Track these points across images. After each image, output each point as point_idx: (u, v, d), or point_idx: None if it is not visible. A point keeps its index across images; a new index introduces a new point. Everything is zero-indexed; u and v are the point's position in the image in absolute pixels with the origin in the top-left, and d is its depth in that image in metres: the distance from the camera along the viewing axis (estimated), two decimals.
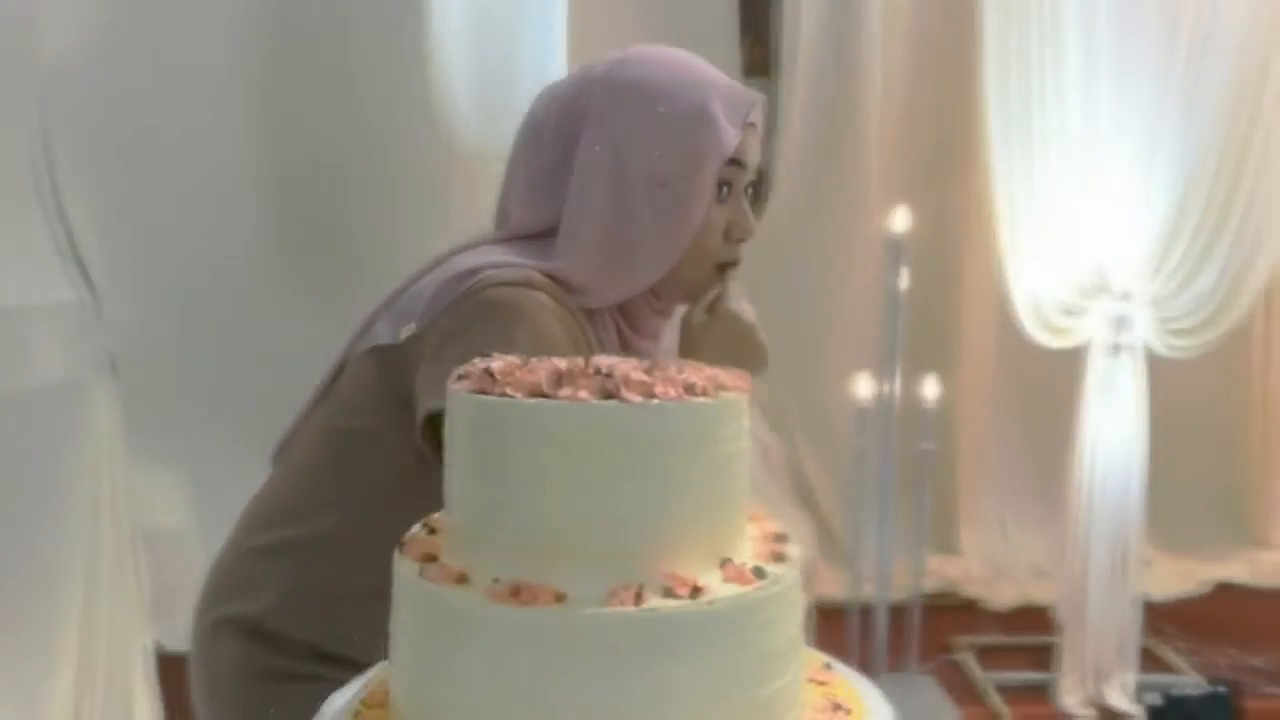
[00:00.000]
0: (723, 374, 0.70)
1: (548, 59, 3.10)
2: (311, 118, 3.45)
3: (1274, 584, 3.64)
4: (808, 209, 3.81)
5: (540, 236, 1.14)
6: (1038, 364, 3.19)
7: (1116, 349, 2.86)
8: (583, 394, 0.62)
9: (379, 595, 1.14)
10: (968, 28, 3.42)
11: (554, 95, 1.17)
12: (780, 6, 3.78)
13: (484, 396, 0.65)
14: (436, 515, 0.78)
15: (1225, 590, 3.62)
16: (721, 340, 1.14)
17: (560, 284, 1.10)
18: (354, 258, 3.57)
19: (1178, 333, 2.88)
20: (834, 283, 3.85)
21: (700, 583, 0.64)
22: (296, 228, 3.56)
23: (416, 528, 0.78)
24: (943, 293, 3.68)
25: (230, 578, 1.20)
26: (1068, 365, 2.93)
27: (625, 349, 1.17)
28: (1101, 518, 2.80)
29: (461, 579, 0.66)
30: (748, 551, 0.71)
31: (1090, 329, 2.87)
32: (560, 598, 0.62)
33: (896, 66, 3.67)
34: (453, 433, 0.71)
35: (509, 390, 0.64)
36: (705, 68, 1.14)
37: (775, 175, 3.84)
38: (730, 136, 1.10)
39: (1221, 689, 2.50)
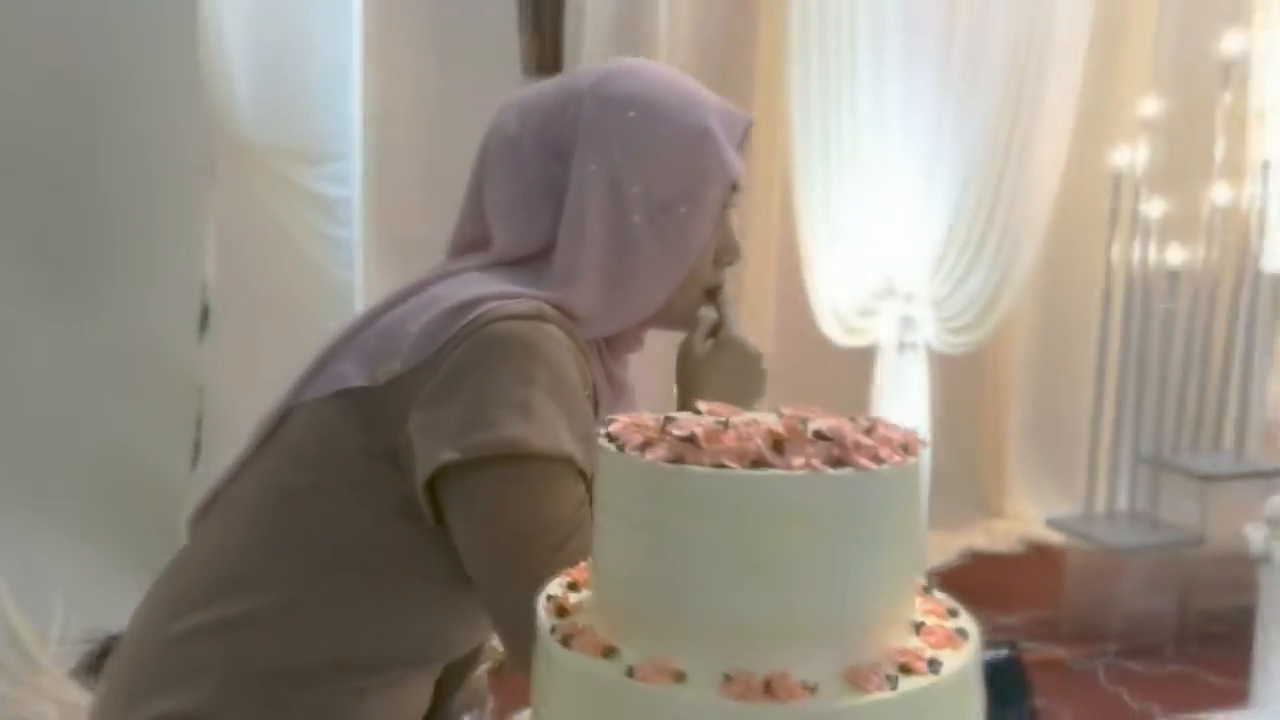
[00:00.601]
0: (883, 425, 0.66)
1: (341, 48, 2.88)
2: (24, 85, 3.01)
3: (1008, 549, 4.09)
4: None
5: (528, 261, 1.04)
6: (822, 364, 3.35)
7: (903, 347, 3.09)
8: (814, 462, 0.56)
9: (339, 671, 1.01)
10: (753, 28, 3.56)
11: (529, 107, 1.07)
12: (564, 1, 3.73)
13: (693, 468, 0.57)
14: (565, 591, 0.68)
15: (971, 558, 4.01)
16: (729, 369, 1.08)
17: (567, 315, 1.01)
18: (95, 258, 3.17)
19: (955, 330, 3.15)
20: None
21: (929, 655, 0.60)
22: (22, 225, 3.09)
23: (555, 596, 0.67)
24: (741, 301, 3.79)
25: (153, 671, 1.00)
26: (853, 364, 3.13)
27: (609, 382, 1.10)
28: None
29: (679, 676, 0.57)
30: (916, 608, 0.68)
31: (880, 329, 3.08)
32: (810, 688, 0.56)
33: (685, 67, 3.73)
34: (625, 504, 0.62)
35: (725, 460, 0.57)
36: (697, 85, 1.09)
37: None
38: (733, 159, 1.06)
39: (1005, 650, 2.71)
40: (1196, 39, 3.31)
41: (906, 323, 3.07)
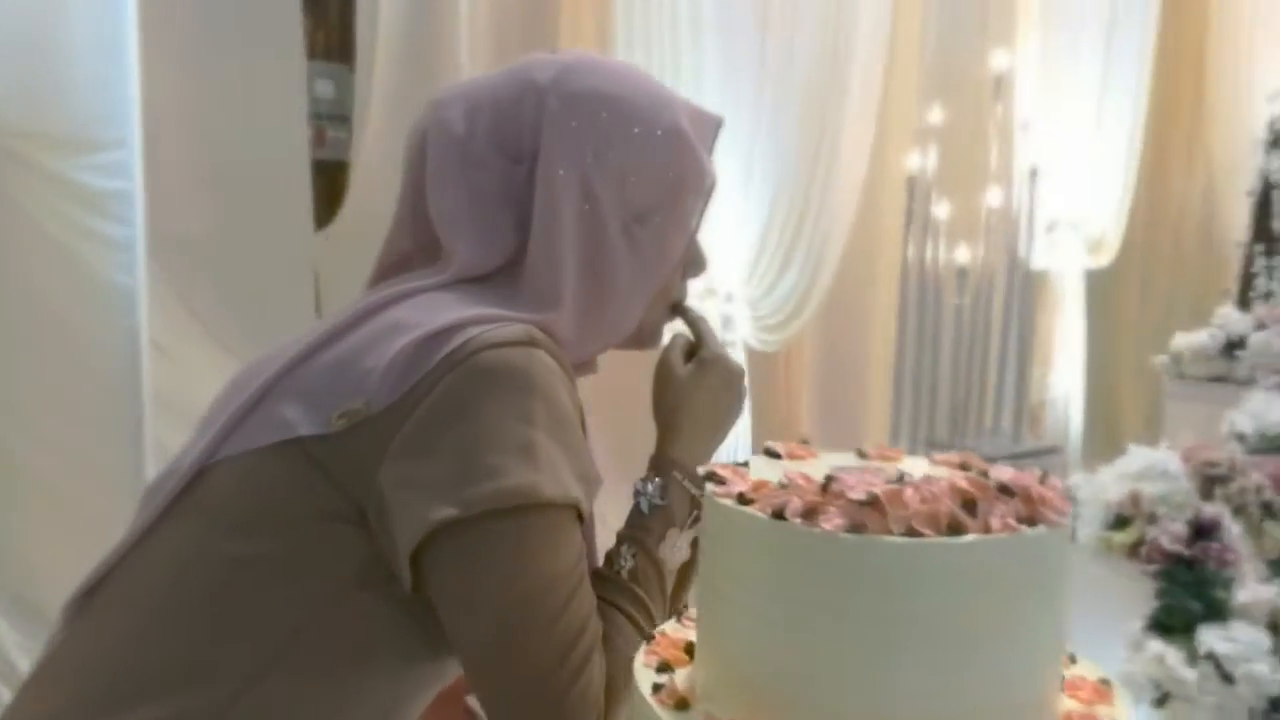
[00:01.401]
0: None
1: (110, 22, 2.52)
2: None
3: None
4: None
5: (492, 278, 0.92)
6: (646, 363, 3.36)
7: (723, 345, 3.14)
8: (1009, 521, 0.51)
9: None
10: (553, 22, 3.49)
11: (476, 103, 0.94)
12: None
13: (890, 540, 0.50)
14: (669, 677, 0.60)
15: None
16: (713, 389, 1.01)
17: (552, 339, 0.90)
18: None
19: (768, 329, 3.24)
20: None
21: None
22: None
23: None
24: None
25: None
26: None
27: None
28: None
29: None
30: None
31: None
32: None
33: (486, 52, 3.57)
34: (788, 582, 0.54)
35: (917, 526, 0.51)
36: (661, 83, 1.01)
37: (359, 171, 3.57)
38: (708, 163, 0.99)
39: None
40: (969, 53, 3.59)
41: (726, 322, 3.12)
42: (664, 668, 0.63)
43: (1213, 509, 2.23)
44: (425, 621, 0.85)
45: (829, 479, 0.54)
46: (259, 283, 3.52)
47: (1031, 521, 0.53)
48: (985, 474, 0.54)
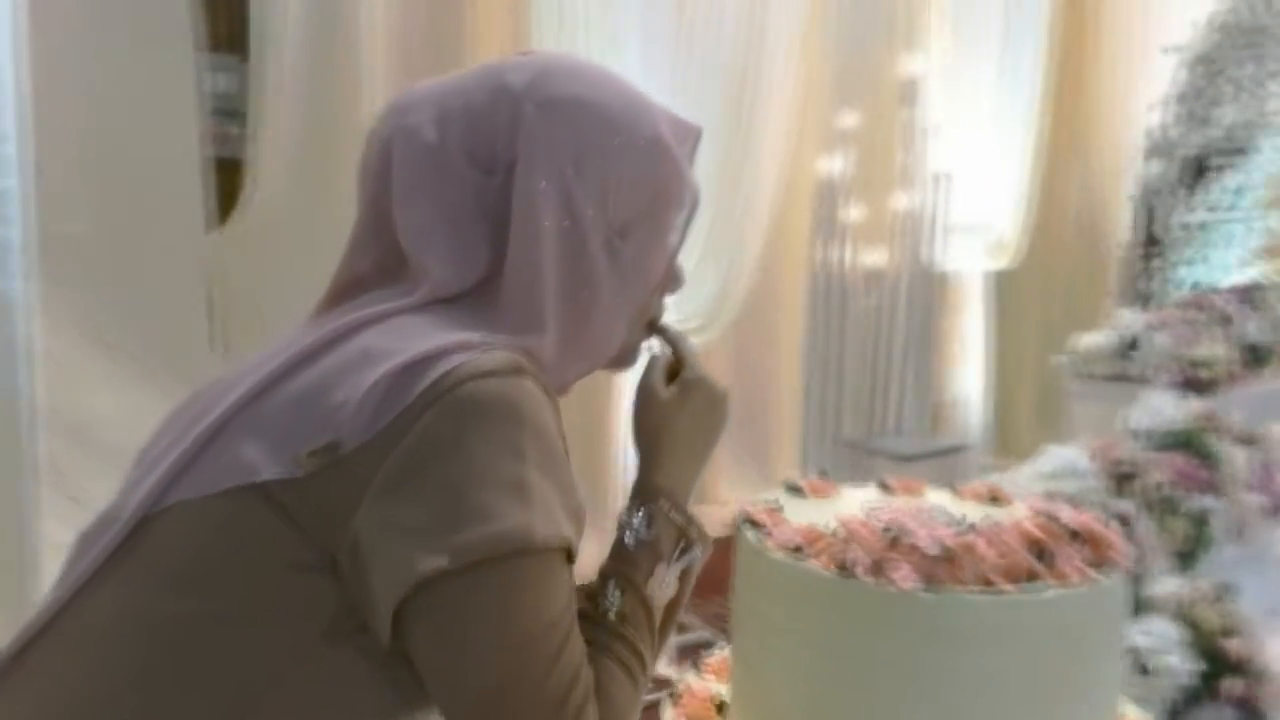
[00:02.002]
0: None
1: None
2: None
3: (719, 534, 4.29)
4: (297, 207, 3.43)
5: (465, 298, 0.85)
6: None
7: (644, 350, 3.11)
8: (1082, 567, 0.50)
9: None
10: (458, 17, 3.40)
11: (446, 109, 0.87)
12: None
13: (969, 596, 0.48)
14: None
15: None
16: (698, 412, 0.95)
17: (536, 364, 0.85)
18: None
19: (689, 332, 3.23)
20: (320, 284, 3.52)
21: None
22: None
23: None
24: None
25: None
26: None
27: None
28: None
29: None
30: None
31: None
32: None
33: (391, 40, 3.44)
34: (853, 638, 0.51)
35: (993, 577, 0.49)
36: (637, 88, 0.96)
37: (256, 169, 3.40)
38: (691, 175, 0.94)
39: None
40: (880, 58, 3.65)
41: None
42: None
43: (1124, 506, 2.31)
44: (400, 676, 0.78)
45: (893, 529, 0.52)
46: (149, 286, 3.33)
47: (1099, 565, 0.52)
48: (1054, 517, 0.53)
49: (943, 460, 3.73)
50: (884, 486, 0.74)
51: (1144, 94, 4.30)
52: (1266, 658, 2.84)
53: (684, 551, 0.90)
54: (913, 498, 0.63)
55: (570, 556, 0.82)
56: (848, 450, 3.60)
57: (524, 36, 3.08)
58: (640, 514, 0.90)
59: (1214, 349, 3.12)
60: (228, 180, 3.70)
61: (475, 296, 0.85)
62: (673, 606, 0.91)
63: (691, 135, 0.94)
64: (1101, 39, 4.66)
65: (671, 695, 0.76)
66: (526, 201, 0.84)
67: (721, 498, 4.41)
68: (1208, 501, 2.45)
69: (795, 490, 0.73)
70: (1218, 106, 3.91)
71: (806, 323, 3.48)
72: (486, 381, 0.77)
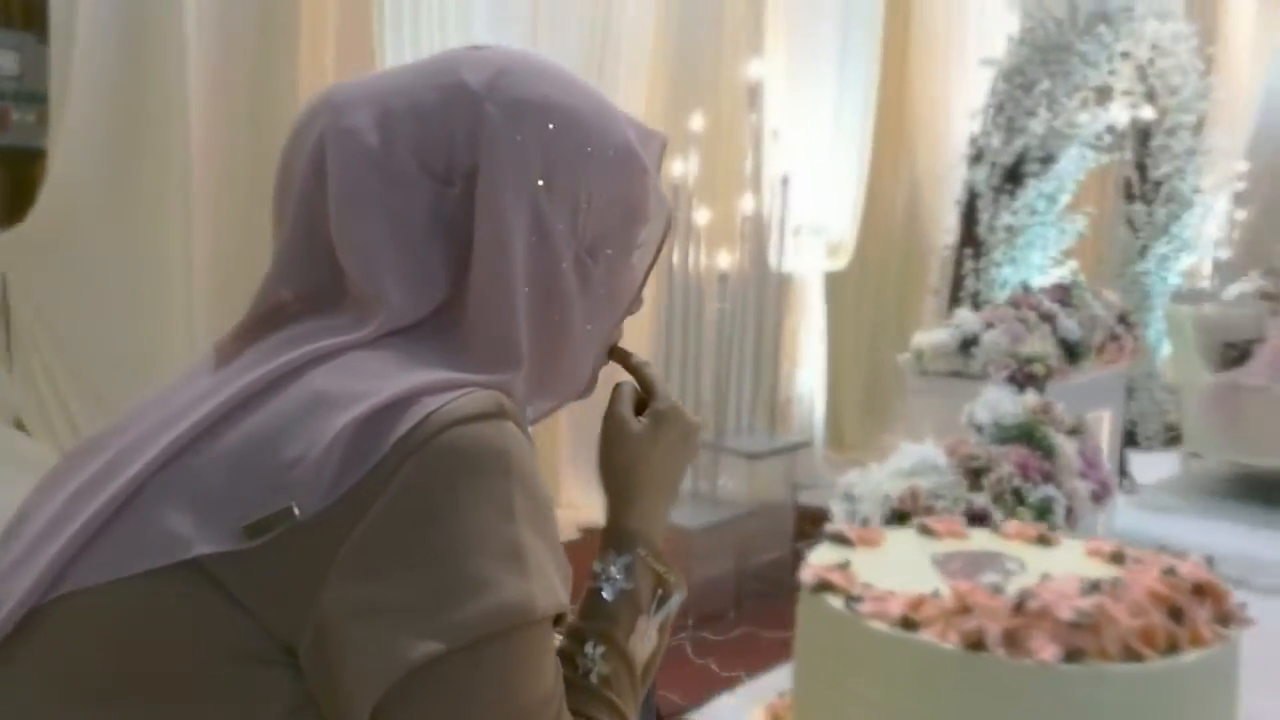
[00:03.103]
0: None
1: None
2: None
3: (568, 538, 4.24)
4: (102, 205, 3.10)
5: (423, 328, 0.75)
6: None
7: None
8: (1213, 628, 0.46)
9: None
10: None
11: (390, 106, 0.76)
12: None
13: (1112, 668, 0.44)
14: None
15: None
16: (672, 445, 0.88)
17: (515, 404, 0.74)
18: None
19: None
20: (145, 287, 3.19)
21: None
22: None
23: None
24: None
25: None
26: None
27: None
28: None
29: None
30: None
31: None
32: None
33: (217, 18, 3.15)
34: (971, 715, 0.46)
35: (1134, 644, 0.44)
36: (598, 89, 0.86)
37: (56, 161, 3.06)
38: (662, 189, 0.87)
39: None
40: (722, 63, 3.68)
41: None
42: None
43: (981, 499, 2.42)
44: None
45: (1024, 596, 0.47)
46: None
47: (1224, 621, 0.49)
48: (1173, 571, 0.49)
49: (789, 456, 3.82)
50: (925, 530, 0.70)
51: (965, 103, 4.55)
52: None
53: (662, 600, 0.83)
54: (959, 540, 0.59)
55: (560, 620, 0.74)
56: (708, 450, 3.62)
57: (364, 31, 2.91)
58: (618, 563, 0.82)
59: (1040, 345, 3.32)
60: (22, 172, 3.32)
61: (437, 325, 0.75)
62: (650, 661, 0.84)
63: (657, 143, 0.86)
64: (924, 50, 4.89)
65: None
66: (492, 215, 0.74)
67: (575, 502, 4.35)
68: (1049, 490, 2.59)
69: (840, 540, 0.67)
70: (1030, 117, 4.17)
71: (663, 326, 3.46)
72: (469, 428, 0.67)
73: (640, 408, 0.89)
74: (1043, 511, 2.54)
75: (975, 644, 0.45)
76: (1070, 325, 3.48)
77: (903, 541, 0.70)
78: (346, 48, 3.16)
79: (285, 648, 0.65)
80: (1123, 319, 3.79)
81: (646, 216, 0.85)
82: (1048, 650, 0.44)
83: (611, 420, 0.88)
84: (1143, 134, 5.15)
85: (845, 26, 4.03)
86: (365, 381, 0.69)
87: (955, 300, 4.29)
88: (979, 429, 3.00)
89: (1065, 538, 0.71)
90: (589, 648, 0.79)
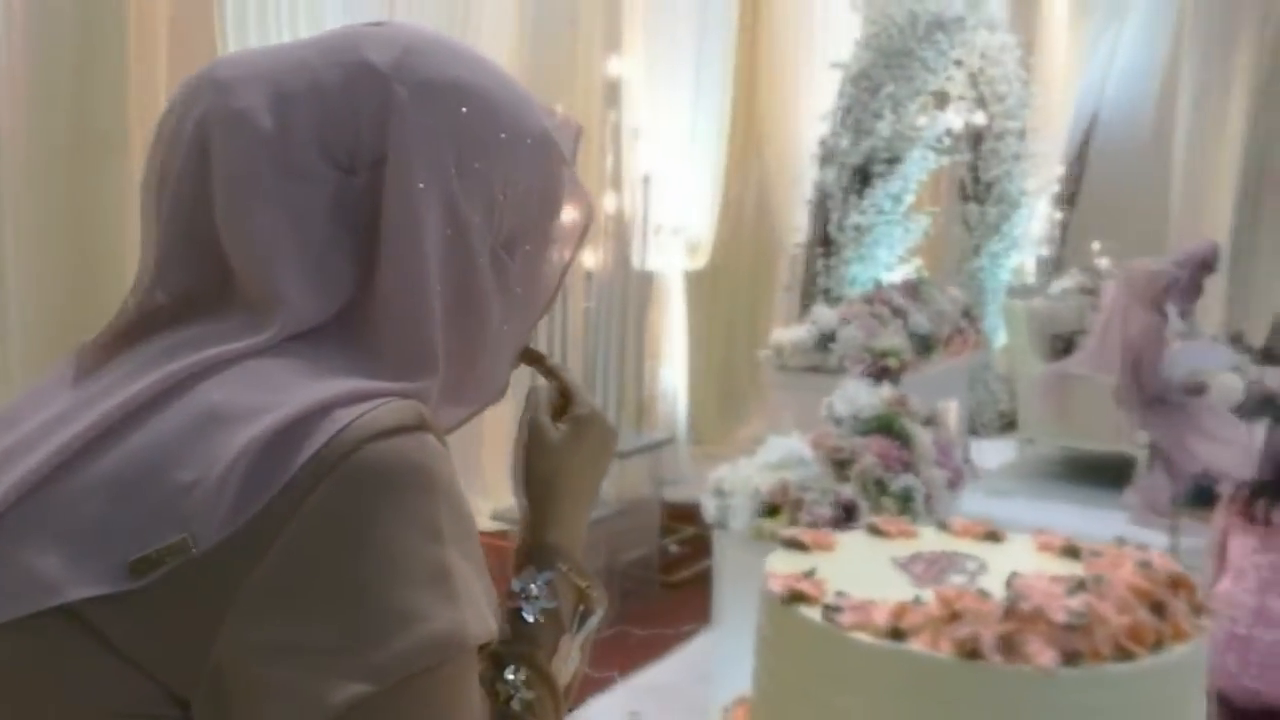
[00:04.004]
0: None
1: None
2: None
3: None
4: None
5: (327, 331, 0.67)
6: None
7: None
8: (1191, 617, 0.47)
9: None
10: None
11: (285, 86, 0.68)
12: None
13: (1110, 669, 0.43)
14: None
15: None
16: (591, 453, 0.82)
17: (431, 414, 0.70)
18: None
19: None
20: None
21: None
22: None
23: None
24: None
25: None
26: None
27: None
28: None
29: None
30: None
31: None
32: None
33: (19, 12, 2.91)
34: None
35: (1126, 644, 0.45)
36: (511, 76, 0.83)
37: None
38: (577, 177, 0.83)
39: None
40: (581, 60, 3.67)
41: None
42: None
43: (848, 490, 2.49)
44: None
45: (1014, 599, 0.46)
46: None
47: (1198, 611, 0.50)
48: (1148, 565, 0.50)
49: (655, 453, 3.84)
50: (876, 530, 0.69)
51: (815, 105, 4.68)
52: None
53: (584, 617, 0.80)
54: (911, 540, 0.59)
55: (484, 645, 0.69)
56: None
57: (204, 16, 2.74)
58: (539, 581, 0.77)
59: (894, 340, 3.46)
60: None
61: (343, 328, 0.68)
62: (572, 682, 0.80)
63: (573, 133, 0.81)
64: (775, 53, 5.01)
65: None
66: (402, 206, 0.68)
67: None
68: (909, 479, 2.69)
69: (796, 545, 0.65)
70: (877, 119, 4.33)
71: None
72: (388, 443, 0.60)
73: (557, 414, 0.85)
74: (905, 500, 2.63)
75: (970, 652, 0.44)
76: (921, 320, 3.64)
77: (857, 544, 0.69)
78: (183, 33, 2.97)
79: (177, 700, 0.58)
80: (966, 313, 3.99)
81: (562, 208, 0.81)
82: (1045, 655, 0.44)
83: (533, 430, 0.82)
84: (975, 138, 5.45)
85: (701, 27, 4.09)
86: (265, 394, 0.61)
87: (808, 298, 4.41)
88: (839, 422, 3.09)
89: (1010, 533, 0.72)
90: (511, 673, 0.73)
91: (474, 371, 0.74)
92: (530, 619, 0.75)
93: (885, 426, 2.91)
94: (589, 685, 3.07)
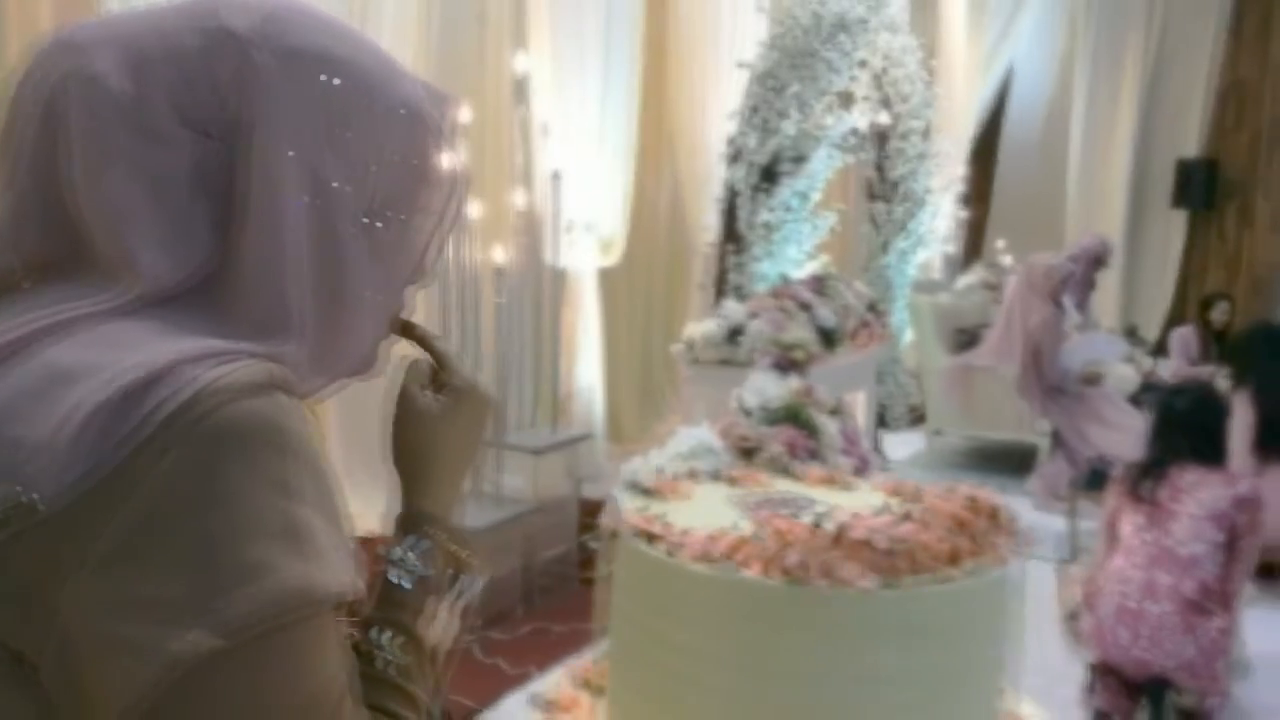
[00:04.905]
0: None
1: None
2: None
3: None
4: None
5: (184, 297, 0.67)
6: None
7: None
8: (1002, 544, 0.50)
9: None
10: None
11: (141, 49, 0.69)
12: None
13: (928, 590, 0.46)
14: None
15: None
16: (467, 422, 0.83)
17: (290, 376, 0.67)
18: None
19: None
20: None
21: None
22: None
23: None
24: None
25: None
26: None
27: None
28: None
29: None
30: None
31: None
32: None
33: None
34: (787, 646, 0.48)
35: (940, 565, 0.48)
36: (382, 47, 0.79)
37: None
38: (452, 150, 0.84)
39: None
40: (487, 56, 3.65)
41: None
42: None
43: None
44: None
45: (840, 529, 0.49)
46: None
47: (1013, 539, 0.53)
48: (974, 500, 0.53)
49: (572, 449, 3.84)
50: (729, 480, 0.72)
51: (723, 104, 4.75)
52: None
53: (457, 580, 0.81)
54: (762, 487, 0.61)
55: (355, 611, 0.70)
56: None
57: None
58: (413, 547, 0.78)
59: (800, 333, 3.52)
60: None
61: (200, 293, 0.68)
62: (449, 646, 0.81)
63: (448, 105, 0.81)
64: (683, 51, 5.06)
65: (547, 705, 0.67)
66: (263, 173, 0.68)
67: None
68: (814, 467, 2.76)
69: (646, 492, 0.67)
70: (783, 118, 4.41)
71: (439, 320, 3.39)
72: (240, 403, 0.61)
73: (431, 383, 0.86)
74: None
75: (797, 578, 0.47)
76: (826, 313, 3.71)
77: (711, 492, 0.71)
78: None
79: (22, 660, 0.58)
80: (872, 307, 4.09)
81: (438, 181, 0.82)
82: (866, 578, 0.46)
83: (405, 398, 0.83)
84: (881, 138, 5.59)
85: (608, 24, 4.10)
86: (114, 352, 0.61)
87: (721, 294, 4.47)
88: (748, 412, 3.13)
89: (860, 480, 0.75)
90: (382, 637, 0.74)
91: (341, 338, 0.75)
92: (402, 584, 0.76)
93: (792, 416, 2.96)
94: (505, 683, 3.06)
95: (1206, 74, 7.90)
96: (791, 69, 4.49)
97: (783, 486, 0.66)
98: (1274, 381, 4.12)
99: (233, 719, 0.60)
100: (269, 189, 0.69)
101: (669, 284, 5.25)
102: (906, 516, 0.52)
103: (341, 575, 0.64)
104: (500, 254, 3.47)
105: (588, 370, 4.27)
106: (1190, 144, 8.00)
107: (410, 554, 0.78)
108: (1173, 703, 2.88)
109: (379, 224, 0.76)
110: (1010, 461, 5.06)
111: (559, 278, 3.85)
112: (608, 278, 4.54)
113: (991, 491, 0.61)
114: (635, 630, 0.55)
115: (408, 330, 0.86)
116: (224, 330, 0.66)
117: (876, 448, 5.18)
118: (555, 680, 0.88)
